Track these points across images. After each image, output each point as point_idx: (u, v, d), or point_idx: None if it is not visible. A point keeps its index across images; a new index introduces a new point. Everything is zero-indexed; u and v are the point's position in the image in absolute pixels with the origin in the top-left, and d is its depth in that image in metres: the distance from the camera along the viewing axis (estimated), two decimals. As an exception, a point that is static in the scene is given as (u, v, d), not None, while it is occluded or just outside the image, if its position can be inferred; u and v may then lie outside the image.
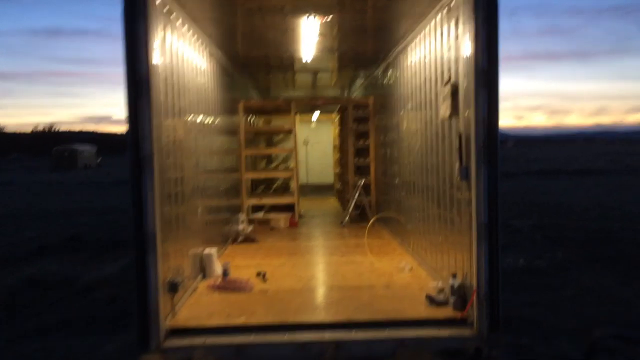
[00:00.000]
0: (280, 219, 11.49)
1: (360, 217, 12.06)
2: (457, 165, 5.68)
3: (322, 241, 10.10)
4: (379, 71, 11.58)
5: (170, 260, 5.72)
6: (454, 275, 5.75)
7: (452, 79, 5.92)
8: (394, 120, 10.03)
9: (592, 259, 10.26)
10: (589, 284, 8.50)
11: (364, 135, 13.01)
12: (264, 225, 11.42)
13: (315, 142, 20.17)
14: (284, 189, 14.61)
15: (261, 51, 10.36)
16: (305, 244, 9.71)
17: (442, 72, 6.40)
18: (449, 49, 6.12)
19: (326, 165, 19.99)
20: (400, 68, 9.27)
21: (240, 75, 12.50)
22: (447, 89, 5.94)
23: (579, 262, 10.00)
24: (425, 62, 7.41)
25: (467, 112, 5.42)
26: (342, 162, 14.72)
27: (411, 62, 8.34)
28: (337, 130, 18.17)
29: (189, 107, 7.03)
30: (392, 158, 10.24)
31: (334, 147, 18.75)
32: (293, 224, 11.86)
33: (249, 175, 12.24)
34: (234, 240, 9.95)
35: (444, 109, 6.08)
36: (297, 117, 18.21)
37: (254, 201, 12.23)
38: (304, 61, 11.75)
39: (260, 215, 11.75)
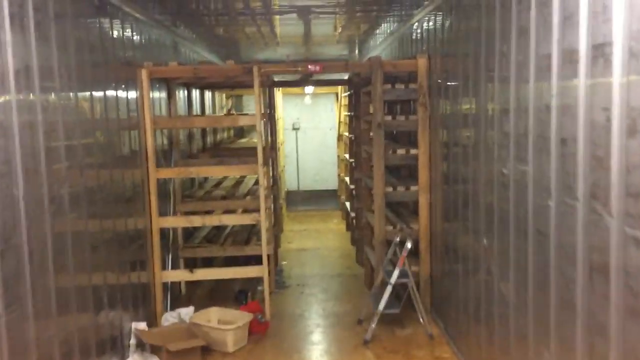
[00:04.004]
0: (227, 337, 5.10)
1: (397, 304, 5.69)
2: None
3: None
4: (435, 10, 5.18)
5: None
6: None
7: None
8: (492, 101, 3.67)
9: None
10: None
11: (405, 137, 6.65)
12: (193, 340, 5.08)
13: (310, 127, 13.64)
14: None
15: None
16: None
17: None
18: None
19: (326, 162, 13.49)
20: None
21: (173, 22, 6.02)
22: None
23: None
24: None
25: None
26: (356, 172, 8.33)
27: None
28: (342, 110, 11.74)
29: None
30: (475, 190, 3.90)
31: (339, 136, 12.31)
32: (258, 330, 5.56)
33: (165, 223, 5.83)
34: None
35: None
36: (280, 92, 11.77)
37: (179, 276, 5.88)
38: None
39: (177, 332, 5.38)
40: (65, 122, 3.72)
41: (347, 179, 10.12)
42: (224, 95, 11.18)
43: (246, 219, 5.88)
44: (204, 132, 8.46)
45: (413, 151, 5.86)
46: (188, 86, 7.63)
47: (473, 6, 4.22)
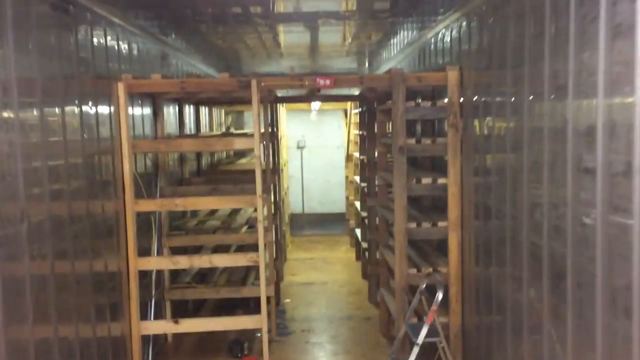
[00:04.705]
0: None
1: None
2: None
3: None
4: (468, 14, 4.30)
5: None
6: None
7: None
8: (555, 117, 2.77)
9: None
10: None
11: (427, 162, 5.77)
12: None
13: (316, 145, 12.72)
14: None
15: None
16: None
17: None
18: None
19: (334, 183, 12.56)
20: None
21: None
22: None
23: None
24: None
25: None
26: (369, 199, 7.41)
27: None
28: (352, 128, 10.86)
29: None
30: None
31: (349, 156, 11.40)
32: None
33: (145, 265, 4.89)
34: None
35: None
36: (284, 108, 10.91)
37: (161, 328, 4.94)
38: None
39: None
40: None
41: (358, 204, 9.19)
42: (222, 111, 10.30)
43: (241, 260, 4.94)
44: (199, 152, 7.56)
45: (441, 180, 4.93)
46: (179, 102, 6.75)
47: (532, 5, 3.31)
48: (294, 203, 12.36)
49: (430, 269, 4.95)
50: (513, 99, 3.70)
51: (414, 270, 4.98)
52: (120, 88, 4.64)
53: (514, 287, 3.70)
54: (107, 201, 4.41)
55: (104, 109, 4.42)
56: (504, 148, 3.85)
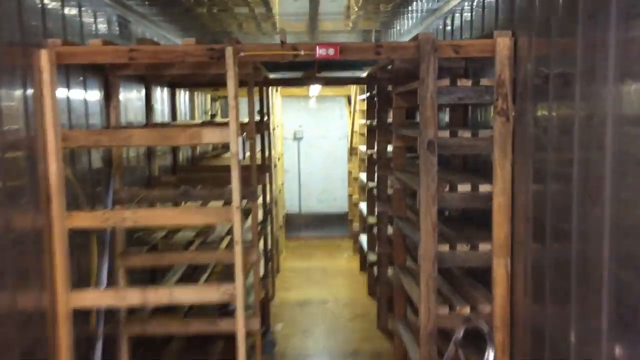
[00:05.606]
0: None
1: None
2: None
3: None
4: None
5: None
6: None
7: None
8: None
9: None
10: None
11: (459, 161, 4.50)
12: None
13: (315, 136, 11.37)
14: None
15: None
16: None
17: None
18: None
19: (335, 179, 11.22)
20: None
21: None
22: None
23: None
24: None
25: None
26: (380, 204, 6.13)
27: None
28: (357, 116, 9.59)
29: None
30: None
31: (352, 149, 10.09)
32: None
33: (80, 301, 3.59)
34: None
35: None
36: (277, 94, 9.63)
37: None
38: None
39: None
40: None
41: (363, 205, 7.91)
42: (208, 96, 8.98)
43: (213, 294, 3.64)
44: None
45: (484, 187, 3.63)
46: (147, 83, 5.44)
47: None
48: (289, 201, 11.05)
49: (468, 308, 3.67)
50: (614, 75, 2.40)
51: (445, 309, 3.69)
52: (44, 58, 3.33)
53: (606, 341, 2.44)
54: (16, 215, 3.11)
55: (14, 87, 3.12)
56: (593, 144, 2.56)
